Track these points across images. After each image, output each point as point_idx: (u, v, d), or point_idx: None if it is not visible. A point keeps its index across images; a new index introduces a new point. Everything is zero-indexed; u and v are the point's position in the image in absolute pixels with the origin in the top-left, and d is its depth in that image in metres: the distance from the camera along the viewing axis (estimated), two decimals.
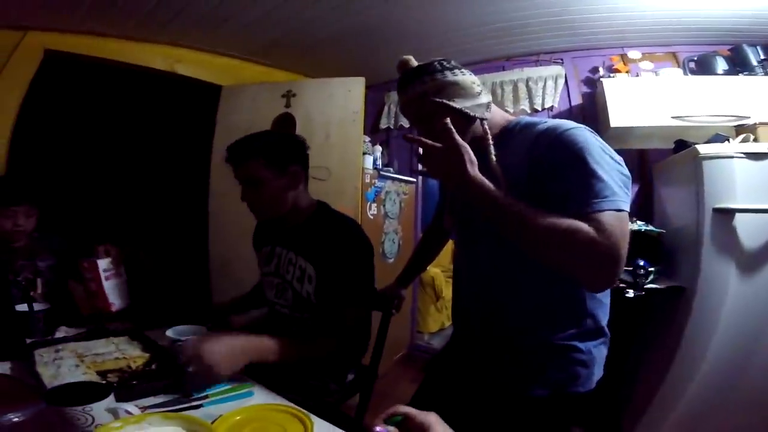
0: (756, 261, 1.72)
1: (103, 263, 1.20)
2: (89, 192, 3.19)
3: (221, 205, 2.86)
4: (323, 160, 2.54)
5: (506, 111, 2.91)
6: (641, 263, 1.92)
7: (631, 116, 2.31)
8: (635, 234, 2.04)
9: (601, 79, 2.51)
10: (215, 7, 2.30)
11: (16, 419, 0.55)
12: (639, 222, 2.09)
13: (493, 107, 1.01)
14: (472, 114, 0.95)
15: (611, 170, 0.81)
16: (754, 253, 1.72)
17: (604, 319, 0.97)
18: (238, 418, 0.79)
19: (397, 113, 3.40)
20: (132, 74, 2.86)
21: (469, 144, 0.99)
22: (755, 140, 1.91)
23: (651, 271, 1.93)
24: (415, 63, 1.00)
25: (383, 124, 3.47)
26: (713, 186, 1.77)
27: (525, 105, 2.89)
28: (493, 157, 0.93)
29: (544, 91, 2.83)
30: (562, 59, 2.83)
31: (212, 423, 0.74)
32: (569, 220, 0.75)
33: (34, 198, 1.56)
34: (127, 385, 0.88)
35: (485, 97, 0.98)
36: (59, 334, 1.21)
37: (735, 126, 2.08)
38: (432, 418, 0.58)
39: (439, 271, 3.76)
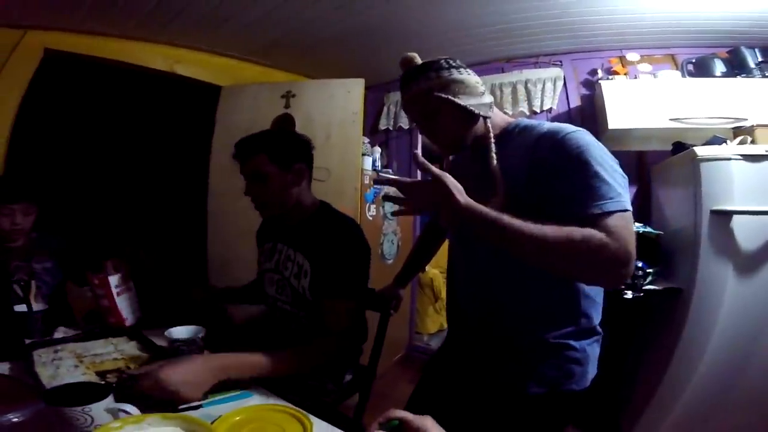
0: (753, 262, 1.73)
1: (114, 279, 1.20)
2: (88, 192, 3.19)
3: (220, 205, 2.86)
4: (323, 160, 2.53)
5: (505, 113, 2.91)
6: (639, 265, 1.93)
7: (630, 118, 2.32)
8: None
9: (599, 81, 2.52)
10: (215, 8, 2.30)
11: (15, 419, 0.55)
12: (637, 224, 2.10)
13: (494, 109, 1.02)
14: (476, 112, 0.95)
15: (613, 172, 0.82)
16: (752, 254, 1.73)
17: (597, 318, 0.98)
18: (237, 418, 0.79)
19: (397, 114, 3.40)
20: (132, 74, 2.86)
21: (471, 143, 1.01)
22: (753, 142, 1.92)
23: (649, 272, 1.94)
24: (419, 60, 1.01)
25: (382, 125, 3.47)
26: (711, 188, 1.78)
27: (524, 107, 2.89)
28: (494, 156, 0.93)
29: (543, 93, 2.83)
30: (561, 61, 2.83)
31: (211, 423, 0.74)
32: (578, 229, 0.74)
33: (32, 197, 1.54)
34: (126, 386, 0.88)
35: (488, 98, 0.99)
36: (58, 335, 1.20)
37: (733, 128, 2.10)
38: (428, 423, 0.59)
39: (438, 272, 3.76)
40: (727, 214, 1.74)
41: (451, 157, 1.20)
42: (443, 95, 0.94)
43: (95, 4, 2.20)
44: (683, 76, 2.43)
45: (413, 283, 3.44)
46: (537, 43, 2.73)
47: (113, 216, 3.26)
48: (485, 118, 0.97)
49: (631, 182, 2.65)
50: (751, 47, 2.32)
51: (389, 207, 3.00)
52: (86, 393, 0.68)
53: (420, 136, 3.23)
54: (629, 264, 0.75)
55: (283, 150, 1.30)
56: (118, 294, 1.21)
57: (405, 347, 3.46)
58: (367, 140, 2.91)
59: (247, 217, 1.62)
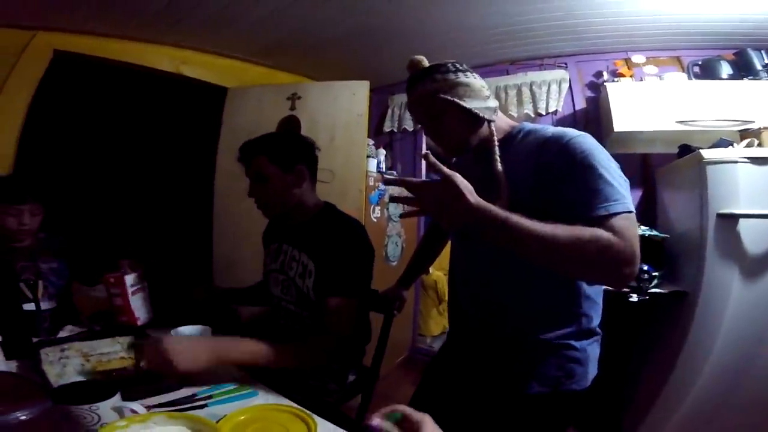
0: (759, 266, 1.72)
1: (129, 279, 1.21)
2: (95, 192, 3.21)
3: (226, 206, 2.87)
4: (327, 162, 2.55)
5: (510, 115, 2.92)
6: (645, 268, 1.92)
7: (635, 121, 2.31)
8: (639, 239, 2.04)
9: (605, 83, 2.52)
10: (222, 9, 2.31)
11: (23, 417, 0.56)
12: (642, 227, 2.09)
13: (499, 113, 1.02)
14: (481, 115, 0.96)
15: (617, 175, 0.84)
16: (758, 258, 1.72)
17: (597, 319, 1.00)
18: (242, 417, 0.80)
19: (401, 116, 3.41)
20: (139, 75, 2.89)
21: (475, 146, 1.02)
22: (759, 145, 1.91)
23: (654, 275, 1.93)
24: (426, 63, 1.02)
25: (387, 127, 3.48)
26: (717, 191, 1.77)
27: (529, 109, 2.89)
28: (498, 158, 0.94)
29: (548, 96, 2.83)
30: (566, 63, 2.83)
31: (216, 423, 0.74)
32: (586, 228, 0.75)
33: (39, 197, 1.54)
34: (134, 385, 0.88)
35: (493, 102, 1.00)
36: (64, 334, 1.21)
37: (739, 131, 2.08)
38: (426, 419, 0.60)
39: (442, 274, 3.76)
40: (734, 218, 1.73)
41: (453, 160, 1.21)
42: (448, 97, 0.95)
43: (104, 6, 2.23)
44: (689, 78, 2.41)
45: (417, 285, 3.44)
46: (542, 45, 2.72)
47: (120, 216, 3.29)
48: (489, 121, 0.98)
49: (636, 185, 2.67)
50: (758, 49, 2.30)
51: (393, 209, 3.01)
52: (93, 391, 0.69)
53: (425, 138, 3.24)
54: (635, 264, 0.76)
55: (284, 151, 1.32)
56: (133, 293, 1.22)
57: (408, 349, 3.46)
58: (371, 142, 2.92)
59: (252, 219, 1.63)
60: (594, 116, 2.71)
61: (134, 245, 3.00)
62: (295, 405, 0.87)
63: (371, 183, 2.72)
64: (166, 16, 2.39)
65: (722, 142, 1.96)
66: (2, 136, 2.32)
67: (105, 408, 0.68)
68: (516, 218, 0.75)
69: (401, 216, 2.95)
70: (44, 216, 1.58)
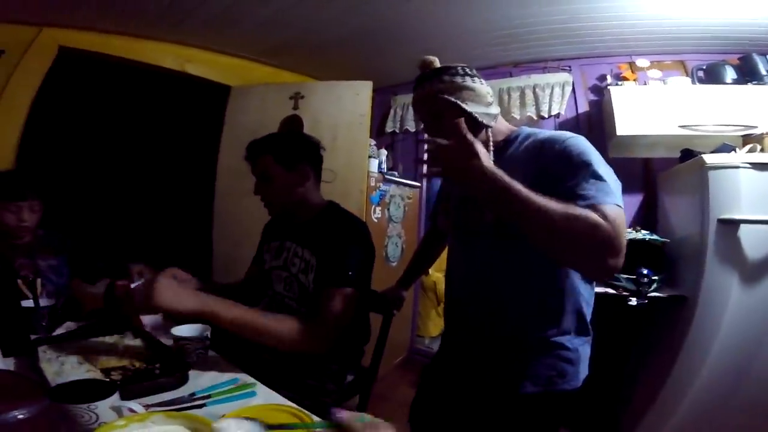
0: (760, 272, 1.71)
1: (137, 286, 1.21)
2: (96, 189, 3.22)
3: (227, 204, 2.88)
4: (329, 162, 2.52)
5: (512, 117, 2.92)
6: (644, 272, 1.92)
7: (638, 125, 2.30)
8: (639, 243, 2.04)
9: (608, 86, 2.51)
10: (227, 8, 2.32)
11: (21, 416, 0.56)
12: (643, 231, 2.09)
13: (499, 118, 1.06)
14: (480, 120, 0.99)
15: (609, 173, 0.89)
16: (758, 264, 1.71)
17: (589, 318, 1.03)
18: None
19: (403, 117, 3.41)
20: (143, 73, 2.89)
21: None
22: (762, 150, 1.90)
23: (654, 279, 1.93)
24: (438, 64, 1.04)
25: (389, 128, 3.48)
26: (718, 196, 1.76)
27: (531, 112, 2.88)
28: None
29: (551, 98, 2.82)
30: (569, 66, 2.82)
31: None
32: (579, 207, 0.79)
33: (39, 193, 1.53)
34: (133, 383, 0.88)
35: (495, 109, 1.04)
36: (61, 332, 1.21)
37: (742, 136, 2.08)
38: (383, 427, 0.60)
39: (441, 275, 3.75)
40: (735, 223, 1.72)
41: None
42: (451, 99, 0.98)
43: (109, 3, 2.24)
44: (693, 82, 2.41)
45: (416, 287, 3.44)
46: (545, 48, 2.72)
47: (120, 214, 3.29)
48: (488, 127, 1.02)
49: (637, 189, 2.67)
50: (763, 54, 2.29)
51: (394, 209, 3.01)
52: (92, 390, 0.69)
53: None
54: (620, 255, 0.79)
55: (288, 151, 1.34)
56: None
57: (406, 350, 3.45)
58: (373, 142, 2.91)
59: (253, 217, 1.63)
60: (597, 120, 2.71)
61: (134, 243, 3.00)
62: (294, 405, 0.87)
63: (372, 183, 2.72)
64: (170, 14, 2.39)
65: (725, 147, 1.96)
66: (5, 131, 2.33)
67: (103, 407, 0.68)
68: (518, 187, 0.79)
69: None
70: (43, 213, 1.57)
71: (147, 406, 0.80)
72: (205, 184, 2.99)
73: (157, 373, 0.97)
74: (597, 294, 2.07)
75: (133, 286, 1.17)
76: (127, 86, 3.21)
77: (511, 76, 3.00)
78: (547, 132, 0.99)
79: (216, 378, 1.00)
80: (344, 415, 0.57)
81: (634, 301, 1.90)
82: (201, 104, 3.22)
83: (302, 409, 0.84)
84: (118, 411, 0.70)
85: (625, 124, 2.32)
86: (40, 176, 1.60)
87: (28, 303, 1.20)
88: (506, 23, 2.42)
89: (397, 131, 3.46)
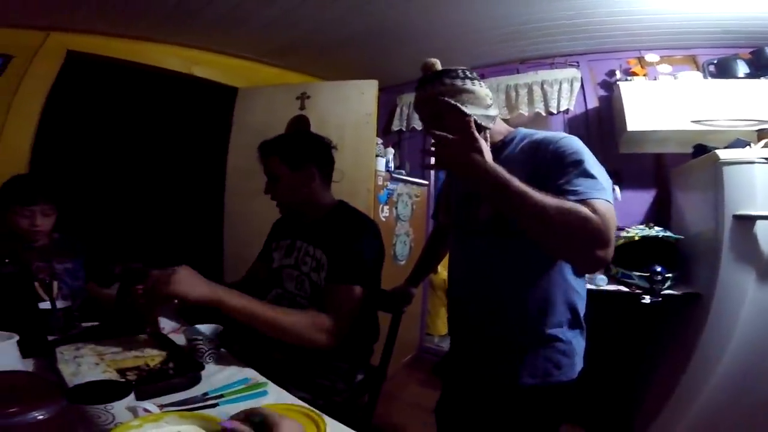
0: None
1: None
2: (107, 192, 3.25)
3: (237, 204, 2.89)
4: (337, 161, 2.54)
5: (520, 114, 2.91)
6: (658, 269, 1.90)
7: (649, 120, 2.28)
8: (652, 240, 2.02)
9: (617, 82, 2.48)
10: (232, 9, 2.33)
11: (40, 417, 0.56)
12: (656, 228, 2.06)
13: (497, 119, 1.11)
14: (478, 122, 1.02)
15: (601, 171, 0.93)
16: None
17: (582, 313, 1.08)
18: None
19: (410, 115, 3.40)
20: (151, 76, 2.92)
21: None
22: None
23: (668, 277, 1.90)
24: (439, 66, 1.08)
25: (395, 126, 3.48)
26: (733, 192, 1.74)
27: (540, 108, 2.86)
28: None
29: (560, 94, 2.80)
30: (577, 62, 2.80)
31: None
32: (570, 201, 0.84)
33: (52, 197, 1.55)
34: (147, 384, 0.89)
35: (493, 111, 1.08)
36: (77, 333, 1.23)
37: (756, 130, 2.04)
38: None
39: None
40: (750, 219, 1.69)
41: None
42: (452, 101, 1.02)
43: (116, 7, 2.25)
44: (705, 77, 2.37)
45: (425, 285, 3.43)
46: (553, 44, 2.70)
47: (131, 216, 3.32)
48: (486, 128, 1.06)
49: (650, 185, 2.64)
50: None
51: (402, 208, 3.01)
52: (108, 391, 0.69)
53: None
54: (608, 246, 0.83)
55: (294, 152, 1.37)
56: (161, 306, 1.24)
57: (416, 348, 3.45)
58: (380, 141, 2.91)
59: (263, 217, 1.64)
60: (606, 115, 2.68)
61: (145, 245, 3.03)
62: (305, 404, 0.87)
63: (380, 182, 2.72)
64: (177, 17, 2.41)
65: (738, 143, 1.93)
66: (18, 136, 2.36)
67: (119, 407, 0.68)
68: (517, 183, 0.84)
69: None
70: (58, 217, 1.59)
71: (161, 406, 0.80)
72: (215, 186, 3.01)
73: (171, 373, 0.98)
74: (610, 292, 2.08)
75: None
76: (136, 89, 3.24)
77: (518, 72, 2.98)
78: (542, 133, 1.04)
79: (228, 378, 1.01)
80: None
81: (647, 299, 1.88)
82: (209, 106, 3.25)
83: (313, 408, 0.84)
84: (134, 411, 0.71)
85: (635, 120, 2.29)
86: (53, 180, 1.62)
87: (45, 305, 1.22)
88: (513, 20, 2.40)
89: (404, 129, 3.46)
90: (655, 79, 2.49)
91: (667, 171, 2.50)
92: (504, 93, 2.97)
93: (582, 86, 2.79)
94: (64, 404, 0.61)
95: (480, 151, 0.84)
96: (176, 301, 1.06)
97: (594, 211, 0.83)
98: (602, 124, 2.69)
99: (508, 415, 1.06)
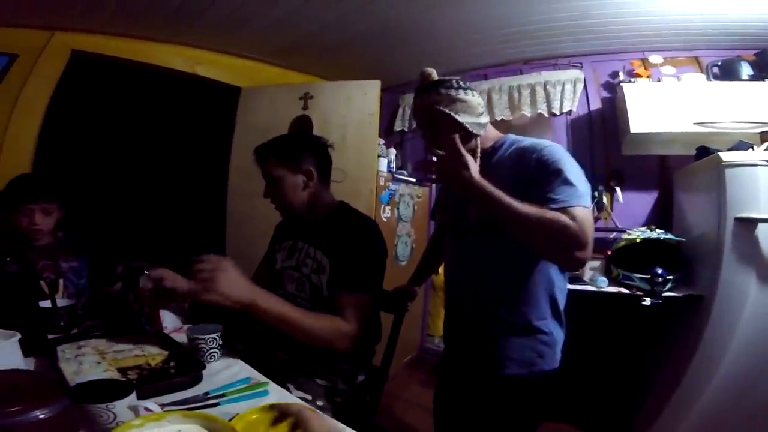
0: None
1: None
2: (112, 191, 3.27)
3: (240, 204, 2.90)
4: (339, 162, 2.52)
5: (523, 115, 2.90)
6: (659, 271, 1.90)
7: (652, 122, 2.27)
8: (653, 242, 2.01)
9: (621, 83, 2.48)
10: (236, 10, 2.34)
11: (42, 416, 0.57)
12: (657, 230, 2.06)
13: (488, 126, 1.19)
14: (470, 129, 1.12)
15: (580, 179, 1.01)
16: None
17: (562, 306, 1.17)
18: (254, 416, 0.80)
19: (411, 116, 3.40)
20: (155, 75, 2.93)
21: None
22: None
23: (669, 279, 1.90)
24: (436, 76, 1.16)
25: (397, 127, 3.47)
26: (736, 194, 1.73)
27: (543, 109, 2.86)
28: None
29: (563, 95, 2.79)
30: (581, 63, 2.79)
31: (229, 421, 0.75)
32: (551, 211, 0.94)
33: (52, 196, 1.54)
34: (149, 383, 0.89)
35: (485, 119, 1.16)
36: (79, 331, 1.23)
37: (760, 133, 2.03)
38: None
39: None
40: (752, 222, 1.69)
41: None
42: (446, 110, 1.10)
43: (120, 6, 2.26)
44: (708, 79, 2.35)
45: (426, 286, 3.43)
46: (556, 45, 2.69)
47: (134, 214, 3.33)
48: (477, 136, 1.14)
49: (652, 187, 2.64)
50: None
51: (404, 209, 3.01)
52: (110, 390, 0.70)
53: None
54: (586, 248, 0.93)
55: (291, 153, 1.36)
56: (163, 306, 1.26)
57: (417, 349, 3.45)
58: (382, 142, 2.91)
59: (265, 217, 1.64)
60: (610, 117, 2.68)
61: (148, 243, 3.04)
62: (306, 404, 0.87)
63: (382, 183, 2.72)
64: (181, 17, 2.42)
65: (741, 145, 1.92)
66: (22, 135, 2.37)
67: (121, 406, 0.69)
68: (500, 195, 0.94)
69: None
70: (62, 216, 1.59)
71: (162, 405, 0.81)
72: (218, 185, 3.02)
73: (172, 372, 0.98)
74: (611, 294, 2.07)
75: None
76: (140, 89, 3.25)
77: (521, 73, 2.97)
78: (529, 140, 1.12)
79: (230, 377, 1.02)
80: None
81: (647, 301, 1.88)
82: (212, 105, 3.25)
83: (314, 408, 0.85)
84: (135, 410, 0.71)
85: (638, 122, 2.29)
86: (56, 179, 1.61)
87: (45, 303, 1.22)
88: (516, 20, 2.40)
89: (406, 130, 3.45)
90: (659, 81, 2.48)
91: (670, 173, 2.49)
92: (507, 94, 2.96)
93: (585, 87, 2.78)
94: (66, 403, 0.61)
95: (466, 167, 0.94)
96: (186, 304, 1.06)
97: (572, 218, 0.93)
98: (605, 125, 2.69)
99: (495, 403, 1.15)
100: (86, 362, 0.98)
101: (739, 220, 1.71)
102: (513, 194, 0.97)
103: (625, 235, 2.14)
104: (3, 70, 2.32)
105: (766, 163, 1.71)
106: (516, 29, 2.51)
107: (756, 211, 1.69)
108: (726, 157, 1.78)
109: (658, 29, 2.35)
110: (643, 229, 2.13)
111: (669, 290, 1.91)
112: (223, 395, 0.91)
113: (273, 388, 0.97)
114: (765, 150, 1.82)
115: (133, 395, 0.72)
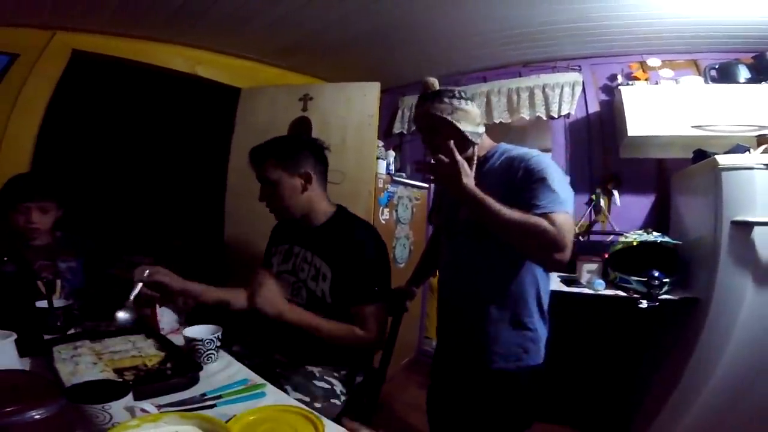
0: None
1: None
2: (112, 191, 3.26)
3: (238, 205, 2.89)
4: (338, 163, 2.55)
5: (521, 117, 2.91)
6: (656, 274, 1.90)
7: (650, 125, 2.28)
8: (650, 245, 2.02)
9: (619, 86, 2.48)
10: (236, 10, 2.34)
11: (37, 416, 0.57)
12: (654, 233, 2.06)
13: (483, 135, 1.27)
14: (469, 138, 1.20)
15: (563, 187, 1.10)
16: None
17: (546, 304, 1.26)
18: (251, 418, 0.80)
19: (411, 118, 3.40)
20: (155, 75, 2.92)
21: None
22: None
23: (666, 282, 1.90)
24: (437, 86, 1.24)
25: (396, 129, 3.47)
26: (732, 197, 1.74)
27: (541, 112, 2.86)
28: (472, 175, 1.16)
29: (561, 98, 2.80)
30: (579, 66, 2.80)
31: (226, 422, 0.75)
32: (534, 216, 1.04)
33: (49, 194, 1.53)
34: (145, 384, 0.89)
35: (482, 128, 1.24)
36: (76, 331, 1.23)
37: (757, 136, 2.04)
38: None
39: None
40: (749, 225, 1.69)
41: None
42: (448, 118, 1.18)
43: (122, 6, 2.26)
44: (706, 82, 2.36)
45: (424, 288, 3.43)
46: (555, 48, 2.70)
47: (134, 214, 3.33)
48: (475, 144, 1.22)
49: (650, 190, 2.65)
50: None
51: (402, 211, 3.01)
52: (106, 391, 0.70)
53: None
54: (565, 251, 1.03)
55: (289, 155, 1.34)
56: (160, 305, 1.27)
57: (414, 351, 3.45)
58: (381, 144, 2.91)
59: (264, 218, 1.64)
60: (608, 120, 2.68)
61: (147, 243, 3.04)
62: (304, 407, 0.87)
63: (380, 185, 2.72)
64: (181, 17, 2.42)
65: (738, 148, 1.92)
66: (21, 135, 2.37)
67: (117, 407, 0.69)
68: (489, 201, 1.04)
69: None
70: (60, 215, 1.58)
71: (159, 407, 0.80)
72: (217, 186, 3.02)
73: (168, 373, 0.98)
74: (608, 297, 2.08)
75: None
76: (140, 89, 3.24)
77: (520, 75, 2.98)
78: (518, 149, 1.21)
79: (227, 378, 1.01)
80: None
81: (644, 304, 1.88)
82: (212, 106, 3.25)
83: (312, 411, 0.85)
84: (131, 411, 0.71)
85: (636, 125, 2.30)
86: (54, 178, 1.60)
87: (42, 303, 1.22)
88: (515, 23, 2.41)
89: (405, 132, 3.45)
90: (657, 84, 2.49)
91: (667, 176, 2.50)
92: (506, 96, 2.97)
93: (584, 90, 2.78)
94: (62, 404, 0.61)
95: (460, 174, 1.03)
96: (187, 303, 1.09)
97: (552, 223, 1.02)
98: (603, 128, 2.70)
99: (485, 398, 1.22)
100: (82, 363, 0.98)
101: (736, 224, 1.71)
102: (502, 200, 1.05)
103: (622, 238, 2.15)
104: (3, 69, 2.31)
105: (762, 166, 1.71)
106: (515, 32, 2.52)
107: (752, 214, 1.69)
108: (723, 160, 1.78)
109: (657, 32, 2.36)
110: (640, 232, 2.13)
111: (666, 293, 1.92)
112: (220, 397, 0.91)
113: (270, 389, 0.97)
114: (762, 153, 1.83)
115: (130, 396, 0.72)
